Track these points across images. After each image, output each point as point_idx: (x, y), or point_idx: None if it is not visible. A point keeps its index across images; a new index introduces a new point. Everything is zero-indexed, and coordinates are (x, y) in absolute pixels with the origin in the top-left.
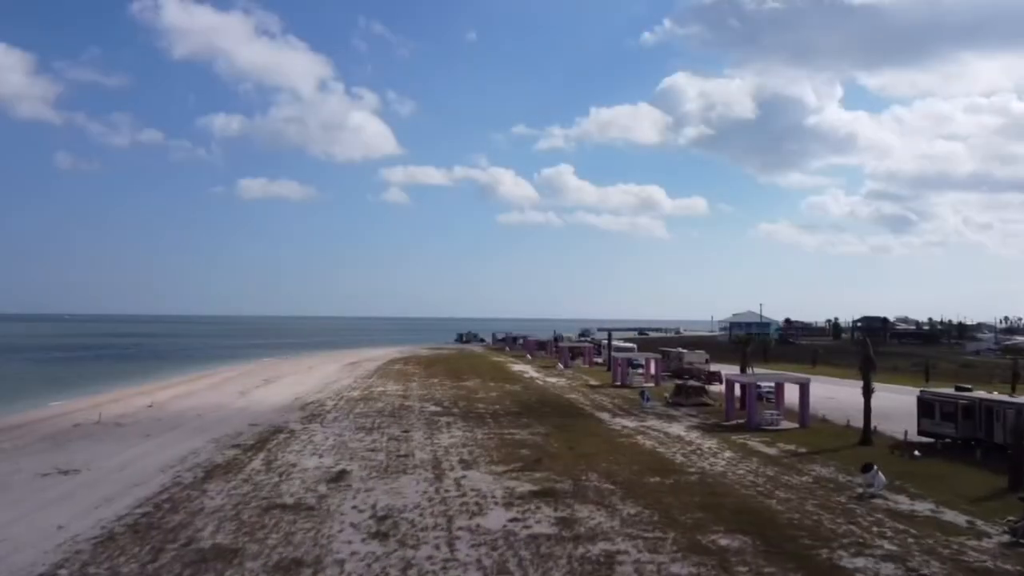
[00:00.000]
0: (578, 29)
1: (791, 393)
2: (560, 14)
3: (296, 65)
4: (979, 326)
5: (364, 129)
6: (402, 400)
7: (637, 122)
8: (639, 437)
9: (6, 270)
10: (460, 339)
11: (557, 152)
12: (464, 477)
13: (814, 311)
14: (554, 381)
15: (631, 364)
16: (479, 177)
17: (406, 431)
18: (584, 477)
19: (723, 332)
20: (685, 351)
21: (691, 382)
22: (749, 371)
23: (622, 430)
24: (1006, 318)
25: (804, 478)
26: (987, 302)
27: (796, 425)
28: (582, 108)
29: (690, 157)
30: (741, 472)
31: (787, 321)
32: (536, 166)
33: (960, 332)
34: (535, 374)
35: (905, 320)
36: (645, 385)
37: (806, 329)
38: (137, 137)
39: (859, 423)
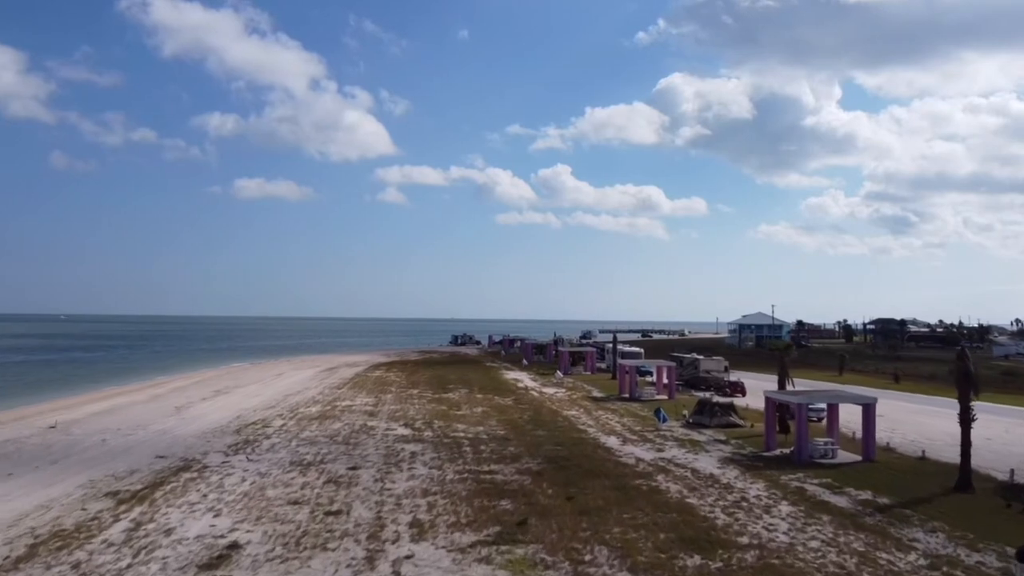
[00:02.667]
0: (571, 28)
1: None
2: (551, 13)
3: (288, 64)
4: (990, 328)
5: (359, 129)
6: (367, 419)
7: (633, 122)
8: (660, 477)
9: (2, 270)
10: (455, 341)
11: (554, 152)
12: (410, 557)
13: (816, 312)
14: (551, 392)
15: (639, 372)
16: (476, 177)
17: (354, 468)
18: (589, 556)
19: (731, 334)
20: (701, 357)
21: (717, 397)
22: (789, 386)
23: (636, 465)
24: (1017, 320)
25: (910, 556)
26: (989, 303)
27: (857, 457)
28: (577, 108)
29: (688, 157)
30: (814, 544)
31: (799, 323)
32: (533, 166)
33: (981, 335)
34: (530, 383)
35: (914, 322)
36: (657, 397)
37: (816, 331)
38: (130, 136)
39: (936, 454)
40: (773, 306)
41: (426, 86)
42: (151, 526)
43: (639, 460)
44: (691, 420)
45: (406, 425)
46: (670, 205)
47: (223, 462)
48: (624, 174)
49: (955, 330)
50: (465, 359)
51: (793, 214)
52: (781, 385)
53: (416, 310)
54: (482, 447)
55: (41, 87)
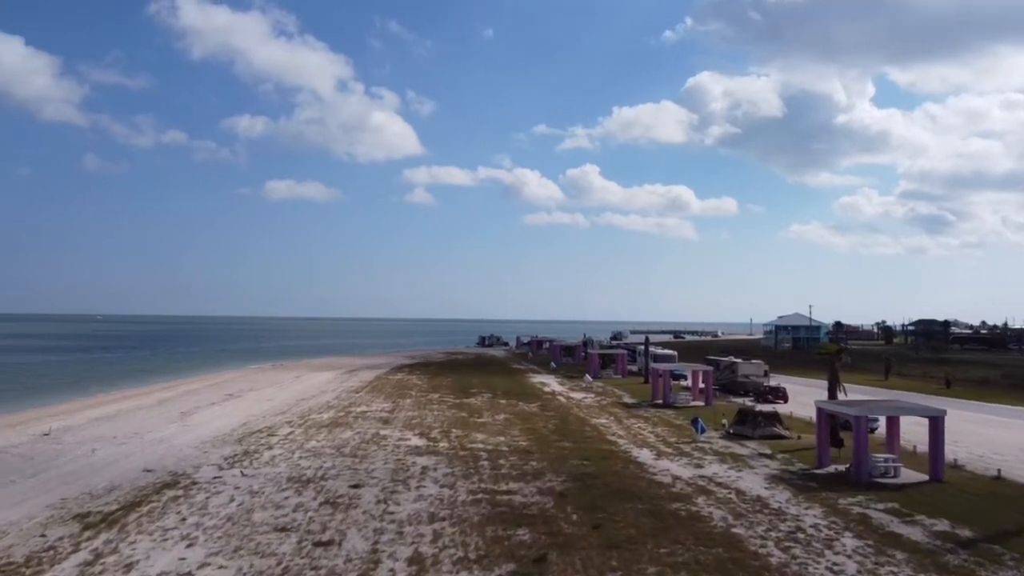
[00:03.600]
0: (596, 27)
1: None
2: (576, 12)
3: (315, 65)
4: None
5: (385, 129)
6: (380, 427)
7: (661, 121)
8: (700, 500)
9: (42, 271)
10: (482, 342)
11: (582, 152)
12: None
13: (850, 313)
14: (580, 398)
15: (673, 376)
16: (504, 178)
17: (356, 486)
18: None
19: (766, 335)
20: (739, 360)
21: (760, 406)
22: (841, 394)
23: (673, 484)
24: None
25: None
26: None
27: (923, 476)
28: (604, 107)
29: (717, 157)
30: None
31: (837, 324)
32: (561, 166)
33: None
34: (557, 387)
35: (955, 323)
36: (693, 404)
37: (854, 333)
38: (161, 138)
39: (1013, 473)
40: (811, 306)
41: (452, 86)
42: (111, 559)
43: (676, 478)
44: (731, 431)
45: (421, 435)
46: (700, 205)
47: (214, 477)
48: (653, 174)
49: (1000, 332)
50: (491, 361)
51: (825, 214)
52: (832, 393)
53: (443, 311)
54: (501, 461)
55: (74, 91)
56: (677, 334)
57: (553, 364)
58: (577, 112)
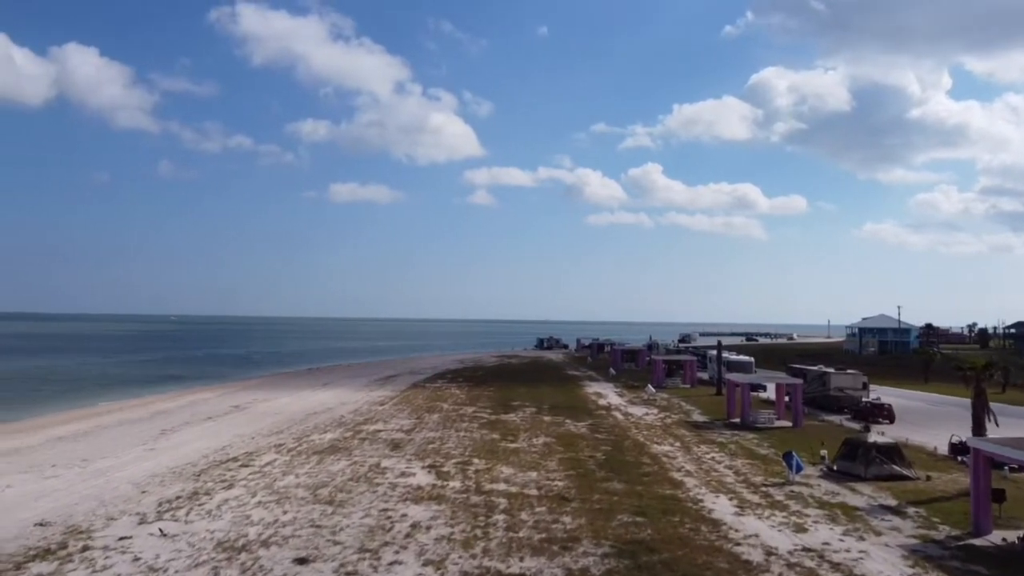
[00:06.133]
0: (653, 23)
1: None
2: (632, 8)
3: (373, 68)
4: None
5: (444, 131)
6: (385, 455)
7: (724, 118)
8: None
9: (121, 273)
10: (540, 345)
11: (643, 151)
12: None
13: (933, 315)
14: (640, 414)
15: (751, 387)
16: (565, 178)
17: (302, 560)
18: None
19: (849, 339)
20: (831, 370)
21: (875, 436)
22: (990, 425)
23: (768, 566)
24: None
25: None
26: None
27: None
28: (664, 105)
29: (784, 153)
30: None
31: (928, 327)
32: (622, 166)
33: None
34: (615, 399)
35: None
36: (777, 424)
37: (944, 336)
38: (227, 143)
39: None
40: (899, 307)
41: (508, 86)
42: None
43: (770, 553)
44: (835, 467)
45: (431, 467)
46: (767, 203)
47: (120, 539)
48: (717, 172)
49: None
50: (546, 366)
51: (900, 211)
52: (979, 423)
53: (504, 312)
54: (523, 515)
55: (145, 98)
56: (749, 336)
57: (612, 371)
58: (636, 110)
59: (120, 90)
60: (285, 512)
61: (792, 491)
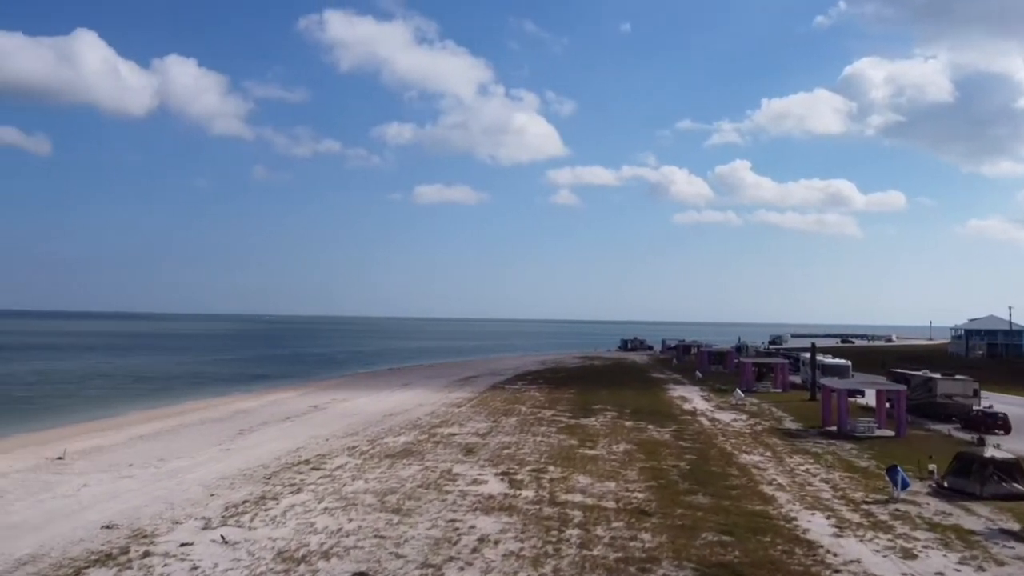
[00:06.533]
0: (739, 16)
1: None
2: (717, 1)
3: (456, 70)
4: None
5: (527, 131)
6: (457, 460)
7: (815, 111)
8: None
9: (220, 276)
10: (624, 346)
11: (731, 147)
12: None
13: None
14: (728, 420)
15: (849, 393)
16: (649, 176)
17: (360, 573)
18: None
19: (954, 341)
20: (937, 376)
21: (992, 451)
22: None
23: None
24: None
25: None
26: None
27: None
28: (752, 100)
29: (881, 147)
30: None
31: None
32: (709, 163)
33: None
34: (701, 404)
35: None
36: (879, 434)
37: None
38: (317, 147)
39: None
40: (1011, 308)
41: (591, 84)
42: None
43: None
44: (945, 484)
45: (504, 474)
46: (863, 200)
47: (182, 545)
48: (809, 168)
49: None
50: (629, 368)
51: (1008, 206)
52: None
53: (588, 312)
54: (599, 531)
55: (240, 106)
56: (844, 338)
57: (698, 373)
58: (723, 106)
59: (217, 98)
60: (350, 520)
61: (897, 510)
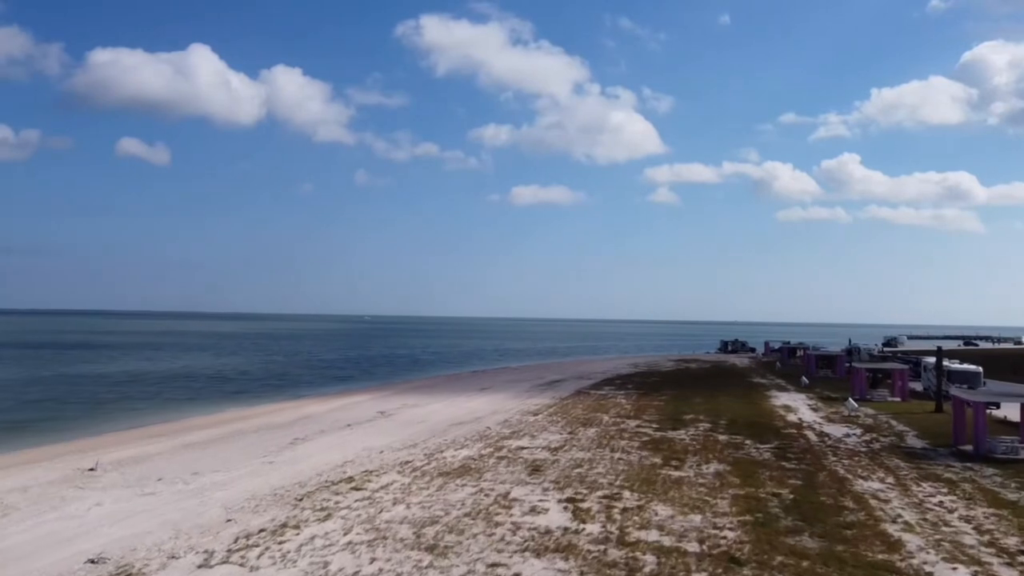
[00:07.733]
0: (844, 3)
1: None
2: None
3: (552, 70)
4: None
5: (624, 129)
6: (520, 480)
7: (931, 100)
8: None
9: (323, 276)
10: (724, 348)
11: (838, 141)
12: None
13: None
14: (839, 436)
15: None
16: (751, 172)
17: None
18: None
19: None
20: None
21: None
22: None
23: None
24: None
25: None
26: None
27: None
28: (861, 90)
29: (1005, 137)
30: None
31: None
32: (815, 157)
33: None
34: (808, 415)
35: None
36: None
37: None
38: (415, 151)
39: None
40: None
41: (689, 79)
42: None
43: None
44: None
45: (570, 501)
46: (985, 193)
47: None
48: (924, 160)
49: None
50: (729, 372)
51: None
52: None
53: (689, 312)
54: None
55: (343, 112)
56: (968, 340)
57: (804, 379)
58: (829, 97)
59: (320, 106)
60: (372, 560)
61: None
